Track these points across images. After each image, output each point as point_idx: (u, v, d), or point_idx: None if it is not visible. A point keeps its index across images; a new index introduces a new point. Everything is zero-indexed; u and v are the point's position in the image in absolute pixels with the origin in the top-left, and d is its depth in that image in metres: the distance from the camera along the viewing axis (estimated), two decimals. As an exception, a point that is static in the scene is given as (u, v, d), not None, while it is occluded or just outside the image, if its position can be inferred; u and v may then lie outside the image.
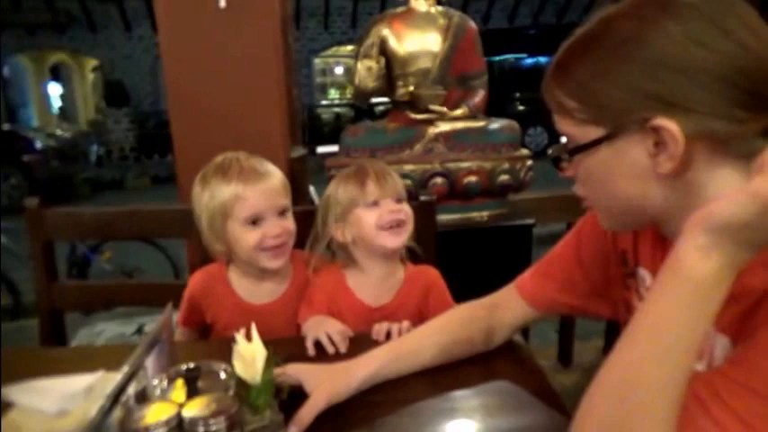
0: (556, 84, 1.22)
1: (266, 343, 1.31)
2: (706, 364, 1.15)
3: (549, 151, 1.29)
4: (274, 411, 1.31)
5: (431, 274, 2.18)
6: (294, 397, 1.41)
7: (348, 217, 2.07)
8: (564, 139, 1.27)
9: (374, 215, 2.04)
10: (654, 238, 1.36)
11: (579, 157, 1.21)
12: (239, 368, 1.28)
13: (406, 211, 2.07)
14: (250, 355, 1.27)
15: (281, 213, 2.07)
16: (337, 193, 2.10)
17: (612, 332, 3.31)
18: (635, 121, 1.10)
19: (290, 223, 2.10)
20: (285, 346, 1.56)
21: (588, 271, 1.57)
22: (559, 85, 1.21)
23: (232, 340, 1.31)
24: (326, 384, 1.49)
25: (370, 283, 2.12)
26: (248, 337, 1.32)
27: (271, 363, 1.29)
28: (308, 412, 1.40)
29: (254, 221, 2.02)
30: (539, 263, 1.72)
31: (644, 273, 1.40)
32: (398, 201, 2.08)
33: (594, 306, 1.61)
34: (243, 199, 2.00)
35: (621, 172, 1.17)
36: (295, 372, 1.52)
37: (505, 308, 1.72)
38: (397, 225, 2.05)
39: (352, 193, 2.06)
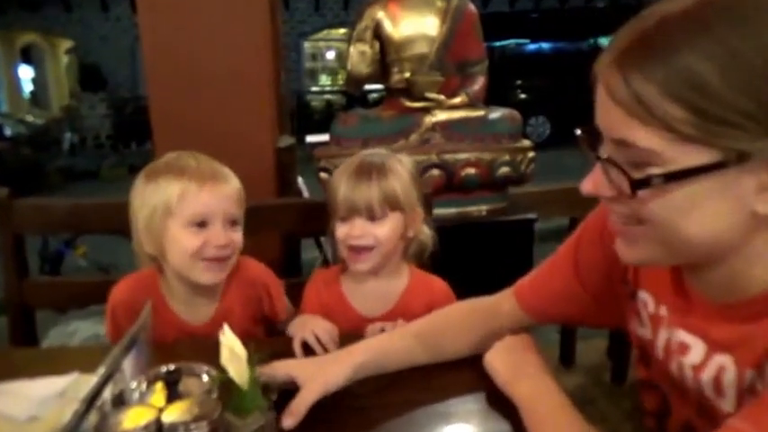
0: (644, 77, 0.99)
1: (245, 343, 1.31)
2: (734, 401, 1.15)
3: (608, 150, 1.08)
4: (264, 413, 1.31)
5: (437, 287, 2.14)
6: (286, 397, 1.42)
7: (333, 221, 2.05)
8: (605, 149, 1.09)
9: (342, 232, 2.02)
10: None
11: (665, 186, 1.01)
12: (232, 369, 1.27)
13: (375, 234, 1.99)
14: (237, 355, 1.27)
15: (232, 224, 1.97)
16: (333, 185, 2.04)
17: (616, 333, 3.31)
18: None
19: (238, 237, 1.99)
20: (267, 347, 1.55)
21: (587, 285, 1.55)
22: (652, 80, 0.98)
23: (217, 341, 1.30)
24: (319, 374, 1.50)
25: (366, 292, 2.10)
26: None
27: (253, 362, 1.28)
28: (301, 402, 1.42)
29: (200, 225, 1.91)
30: (538, 270, 1.70)
31: (645, 296, 1.38)
32: (372, 218, 1.99)
33: (597, 318, 1.62)
34: (191, 196, 1.90)
35: (717, 204, 1.02)
36: (284, 368, 1.53)
37: (504, 315, 1.72)
38: (362, 249, 2.01)
39: (334, 197, 2.01)
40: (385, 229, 1.99)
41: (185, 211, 1.90)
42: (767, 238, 1.06)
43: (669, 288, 1.29)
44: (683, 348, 1.24)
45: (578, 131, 1.19)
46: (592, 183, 1.12)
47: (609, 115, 1.05)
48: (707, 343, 1.19)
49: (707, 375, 1.18)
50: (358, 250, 2.00)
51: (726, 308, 1.15)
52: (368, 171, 1.99)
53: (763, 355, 1.08)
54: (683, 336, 1.24)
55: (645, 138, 1.00)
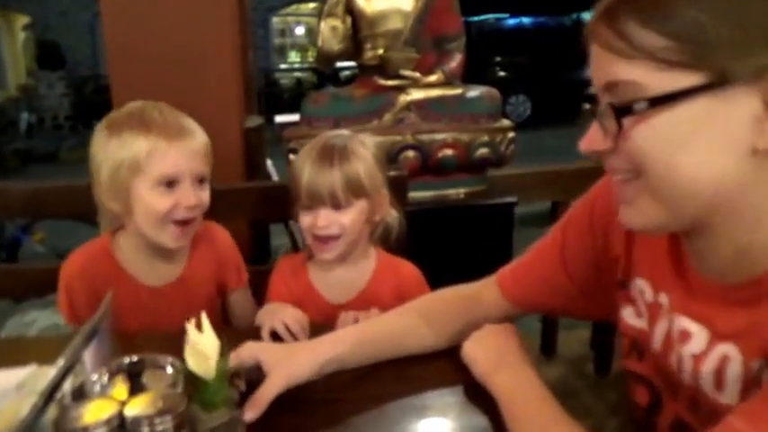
0: (632, 14, 1.04)
1: (217, 333, 1.29)
2: (737, 394, 1.14)
3: (603, 101, 1.10)
4: (231, 407, 1.30)
5: (407, 272, 2.15)
6: (253, 388, 1.42)
7: (297, 207, 2.05)
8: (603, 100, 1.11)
9: (307, 220, 2.01)
10: (655, 248, 1.32)
11: (651, 113, 1.03)
12: (193, 363, 1.26)
13: (341, 223, 1.98)
14: (202, 348, 1.26)
15: (200, 182, 1.96)
16: (296, 171, 2.03)
17: (600, 324, 3.33)
18: (752, 67, 0.98)
19: (206, 195, 1.98)
20: (239, 337, 1.55)
21: (574, 275, 1.56)
22: (638, 16, 1.03)
23: (183, 331, 1.29)
24: (287, 363, 1.49)
25: (334, 278, 2.10)
26: (198, 327, 1.30)
27: (225, 355, 1.28)
28: (265, 393, 1.40)
29: (168, 184, 1.90)
30: (522, 258, 1.70)
31: (642, 283, 1.37)
32: (337, 206, 1.98)
33: (583, 309, 1.62)
34: (160, 155, 1.88)
35: (709, 137, 1.02)
36: (251, 352, 1.52)
37: (486, 304, 1.71)
38: (328, 239, 2.00)
39: (297, 183, 2.00)
40: (350, 217, 1.99)
41: (154, 171, 1.89)
42: (766, 188, 1.06)
43: (669, 272, 1.28)
44: (685, 336, 1.22)
45: (586, 105, 1.20)
46: (587, 139, 1.14)
47: (598, 64, 1.10)
48: (710, 330, 1.18)
49: (708, 366, 1.17)
50: (324, 239, 2.00)
51: (731, 290, 1.14)
52: (329, 156, 1.99)
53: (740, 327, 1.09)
54: (685, 323, 1.23)
55: (629, 71, 1.04)
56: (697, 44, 0.99)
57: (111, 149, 1.91)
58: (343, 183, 1.96)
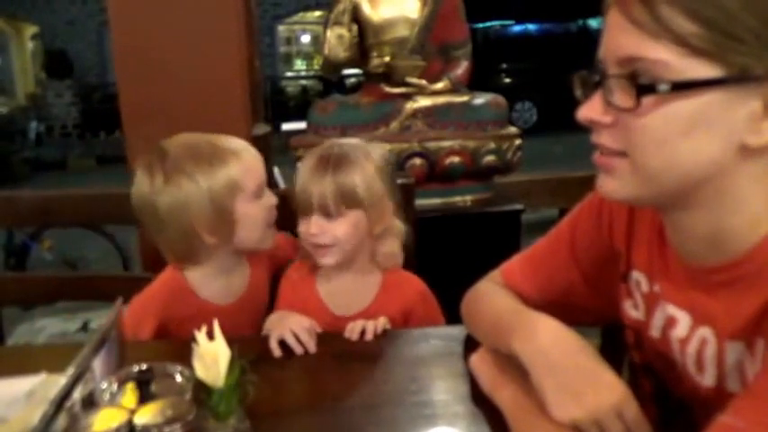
0: None
1: (230, 342, 1.29)
2: (714, 376, 1.19)
3: (612, 73, 1.12)
4: (239, 418, 1.30)
5: (413, 287, 2.13)
6: (261, 403, 1.40)
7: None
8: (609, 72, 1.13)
9: (302, 229, 2.01)
10: (650, 239, 1.36)
11: (671, 96, 1.05)
12: (200, 370, 1.25)
13: (333, 234, 1.96)
14: (212, 356, 1.26)
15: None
16: (297, 176, 2.04)
17: (611, 331, 3.32)
18: (766, 67, 1.02)
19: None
20: (251, 346, 1.55)
21: (582, 263, 1.57)
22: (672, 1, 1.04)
23: (192, 340, 1.29)
24: None
25: (340, 288, 2.08)
26: (210, 336, 1.30)
27: (235, 365, 1.27)
28: None
29: (257, 194, 2.01)
30: (529, 255, 1.70)
31: (639, 275, 1.40)
32: (328, 215, 1.95)
33: (586, 303, 1.61)
34: (251, 170, 2.00)
35: (710, 128, 1.06)
36: None
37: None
38: (322, 246, 1.98)
39: (296, 192, 2.01)
40: (343, 228, 1.96)
41: (250, 185, 1.99)
42: (747, 179, 1.10)
43: (659, 262, 1.33)
44: (672, 322, 1.28)
45: (575, 74, 1.23)
46: (589, 109, 1.16)
47: (620, 36, 1.10)
48: (692, 315, 1.24)
49: (690, 350, 1.23)
50: (319, 246, 1.99)
51: (708, 273, 1.19)
52: (325, 164, 1.97)
53: (748, 327, 1.11)
54: (671, 310, 1.29)
55: (655, 51, 1.05)
56: (724, 34, 1.01)
57: (202, 187, 1.93)
58: (335, 191, 1.93)
